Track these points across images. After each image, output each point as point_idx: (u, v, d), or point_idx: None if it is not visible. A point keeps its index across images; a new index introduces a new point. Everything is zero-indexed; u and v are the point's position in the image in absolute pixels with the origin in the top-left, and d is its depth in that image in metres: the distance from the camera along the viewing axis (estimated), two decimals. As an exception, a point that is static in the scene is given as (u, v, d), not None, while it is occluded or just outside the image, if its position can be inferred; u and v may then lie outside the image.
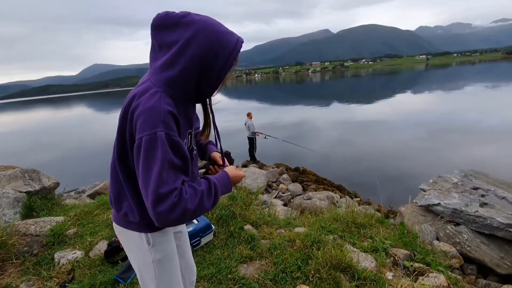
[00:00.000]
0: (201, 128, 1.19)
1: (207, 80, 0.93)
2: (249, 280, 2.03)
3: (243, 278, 2.05)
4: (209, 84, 0.95)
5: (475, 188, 4.11)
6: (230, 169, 1.10)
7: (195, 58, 0.87)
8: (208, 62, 0.89)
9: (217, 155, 1.25)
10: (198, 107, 1.10)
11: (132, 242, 1.08)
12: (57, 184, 3.94)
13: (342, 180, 7.92)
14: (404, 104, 22.58)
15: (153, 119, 0.84)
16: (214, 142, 1.28)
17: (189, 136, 1.06)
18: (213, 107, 1.09)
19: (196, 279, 2.06)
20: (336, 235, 2.66)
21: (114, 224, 1.12)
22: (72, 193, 5.73)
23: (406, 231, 2.99)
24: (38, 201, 3.55)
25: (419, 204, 3.94)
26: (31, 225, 2.93)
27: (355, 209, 3.39)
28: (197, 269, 2.19)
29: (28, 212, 3.37)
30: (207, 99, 1.06)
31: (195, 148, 1.16)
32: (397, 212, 4.81)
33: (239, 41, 0.94)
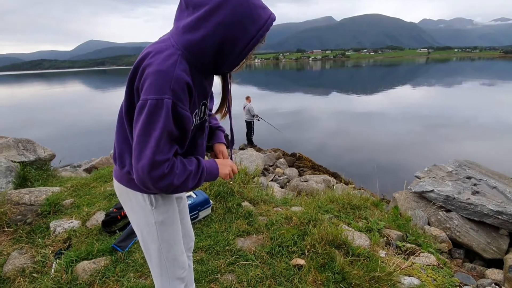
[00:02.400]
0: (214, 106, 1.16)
1: (229, 53, 0.87)
2: (246, 252, 2.06)
3: (240, 250, 2.08)
4: (231, 58, 0.88)
5: (468, 177, 4.18)
6: (221, 161, 1.10)
7: (220, 27, 0.80)
8: (233, 35, 0.82)
9: (219, 149, 1.24)
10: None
11: (133, 201, 1.06)
12: (53, 156, 3.89)
13: (338, 168, 8.00)
14: (402, 97, 22.60)
15: (163, 84, 0.80)
16: (224, 127, 1.27)
17: (203, 106, 1.02)
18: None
19: (194, 250, 2.09)
20: (332, 215, 2.70)
21: (115, 182, 1.10)
22: (68, 167, 5.70)
23: (399, 214, 3.05)
24: (33, 172, 3.50)
25: (413, 190, 4.01)
26: (25, 194, 2.90)
27: (351, 192, 3.43)
28: (195, 241, 2.21)
29: (22, 182, 3.32)
30: (228, 74, 1.01)
31: (208, 120, 1.13)
32: (389, 201, 4.90)
33: (270, 18, 0.87)
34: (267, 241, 2.21)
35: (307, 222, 2.40)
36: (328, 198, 3.12)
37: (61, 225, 2.47)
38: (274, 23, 0.94)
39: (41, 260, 2.07)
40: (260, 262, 1.98)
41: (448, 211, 3.72)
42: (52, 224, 2.48)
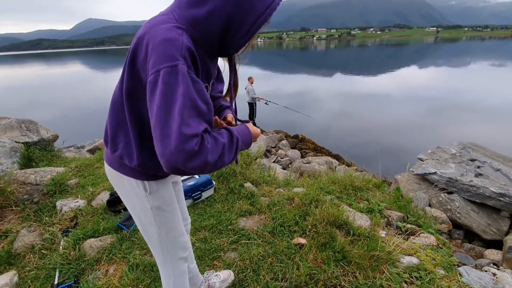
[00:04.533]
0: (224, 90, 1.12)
1: (235, 31, 0.82)
2: (248, 232, 2.10)
3: (243, 230, 2.12)
4: (237, 37, 0.83)
5: (472, 160, 4.16)
6: (249, 125, 1.03)
7: (228, 2, 0.76)
8: (241, 11, 0.78)
9: (230, 116, 1.17)
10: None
11: (127, 187, 1.02)
12: (56, 137, 3.90)
13: (340, 150, 7.98)
14: (408, 78, 22.13)
15: (173, 51, 0.72)
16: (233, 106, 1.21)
17: (206, 89, 0.98)
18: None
19: (197, 229, 2.14)
20: (333, 196, 2.72)
21: (106, 165, 1.05)
22: (72, 148, 5.74)
23: (401, 196, 3.06)
24: (37, 152, 3.53)
25: (415, 172, 4.01)
26: (31, 174, 2.94)
27: (353, 174, 3.43)
28: (198, 220, 2.26)
29: (27, 162, 3.36)
30: (233, 56, 0.96)
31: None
32: (391, 182, 4.92)
33: None
34: (269, 221, 2.24)
35: (308, 203, 2.42)
36: (330, 179, 3.14)
37: (67, 204, 2.52)
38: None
39: (49, 238, 2.13)
40: (262, 241, 2.02)
41: (450, 193, 3.73)
42: (58, 203, 2.53)
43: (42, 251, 2.01)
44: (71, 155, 4.10)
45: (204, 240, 2.03)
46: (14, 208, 2.51)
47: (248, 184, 2.78)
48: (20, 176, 2.89)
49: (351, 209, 2.50)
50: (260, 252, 1.89)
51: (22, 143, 3.56)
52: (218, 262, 1.84)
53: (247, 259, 1.84)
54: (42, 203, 2.60)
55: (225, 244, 1.98)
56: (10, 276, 1.77)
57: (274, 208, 2.39)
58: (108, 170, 1.05)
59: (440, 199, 3.69)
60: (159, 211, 1.05)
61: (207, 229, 2.14)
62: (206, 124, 0.78)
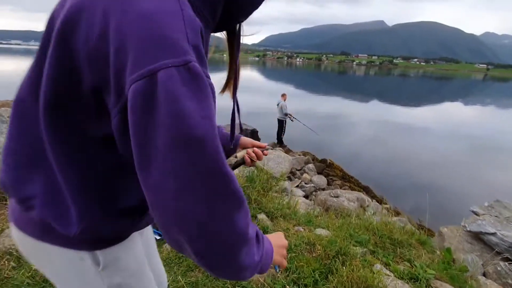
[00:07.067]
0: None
1: None
2: (252, 284, 1.64)
3: (244, 281, 1.66)
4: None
5: (544, 224, 3.35)
6: (275, 238, 0.65)
7: None
8: None
9: (247, 140, 0.89)
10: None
11: (59, 263, 0.59)
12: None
13: (370, 181, 7.29)
14: (452, 114, 20.60)
15: (174, 34, 0.39)
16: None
17: None
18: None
19: (191, 267, 1.71)
20: (366, 249, 2.17)
21: (16, 231, 0.59)
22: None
23: (452, 260, 2.43)
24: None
25: (468, 228, 3.29)
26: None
27: (390, 220, 2.85)
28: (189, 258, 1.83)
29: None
30: (238, 29, 0.62)
31: None
32: (432, 232, 4.17)
33: None
34: (281, 273, 1.76)
35: (334, 255, 1.91)
36: (363, 225, 2.58)
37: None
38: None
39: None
40: (267, 301, 1.55)
41: (513, 262, 2.97)
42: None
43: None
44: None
45: (195, 284, 1.61)
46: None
47: (262, 216, 2.33)
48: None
49: (388, 272, 1.94)
50: (262, 319, 1.42)
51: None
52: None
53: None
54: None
55: (219, 298, 1.54)
56: None
57: (290, 255, 1.90)
58: (20, 239, 0.59)
59: (499, 268, 2.94)
60: None
61: (201, 270, 1.71)
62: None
